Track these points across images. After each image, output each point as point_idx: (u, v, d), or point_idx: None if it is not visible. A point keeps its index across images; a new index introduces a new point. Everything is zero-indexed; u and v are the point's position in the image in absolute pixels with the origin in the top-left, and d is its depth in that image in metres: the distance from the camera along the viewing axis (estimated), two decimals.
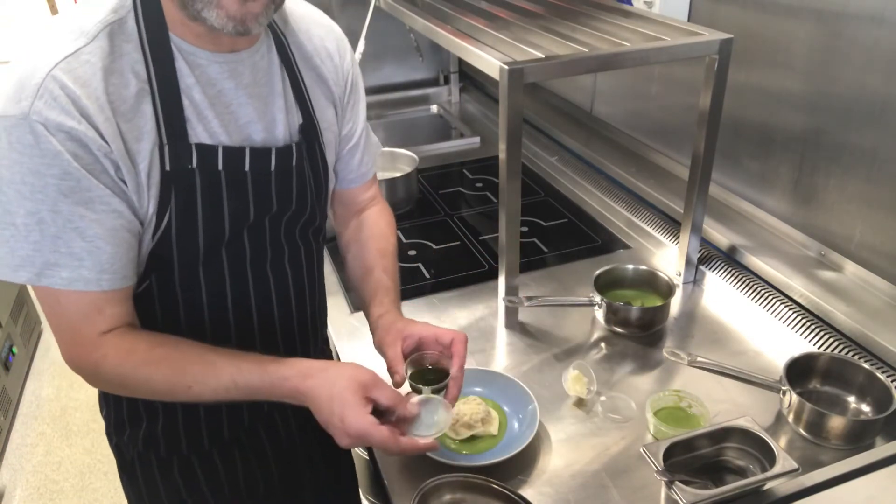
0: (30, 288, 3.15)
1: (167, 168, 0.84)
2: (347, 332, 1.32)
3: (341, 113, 1.06)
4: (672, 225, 1.56)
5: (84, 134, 0.76)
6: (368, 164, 1.15)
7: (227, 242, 0.92)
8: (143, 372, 0.87)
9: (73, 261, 0.80)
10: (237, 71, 0.89)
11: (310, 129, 0.98)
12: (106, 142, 0.78)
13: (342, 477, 1.33)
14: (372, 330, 1.04)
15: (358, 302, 1.32)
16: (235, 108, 0.90)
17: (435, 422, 0.91)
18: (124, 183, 0.81)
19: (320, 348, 1.18)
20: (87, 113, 0.77)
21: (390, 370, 0.96)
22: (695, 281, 1.41)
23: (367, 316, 1.06)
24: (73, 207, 0.78)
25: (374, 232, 1.15)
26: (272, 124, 0.94)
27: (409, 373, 0.96)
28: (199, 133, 0.86)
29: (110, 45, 0.80)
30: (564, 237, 1.64)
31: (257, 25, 0.82)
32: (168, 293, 0.92)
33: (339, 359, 1.26)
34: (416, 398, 0.91)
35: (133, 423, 1.03)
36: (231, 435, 1.06)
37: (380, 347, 1.00)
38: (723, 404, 1.08)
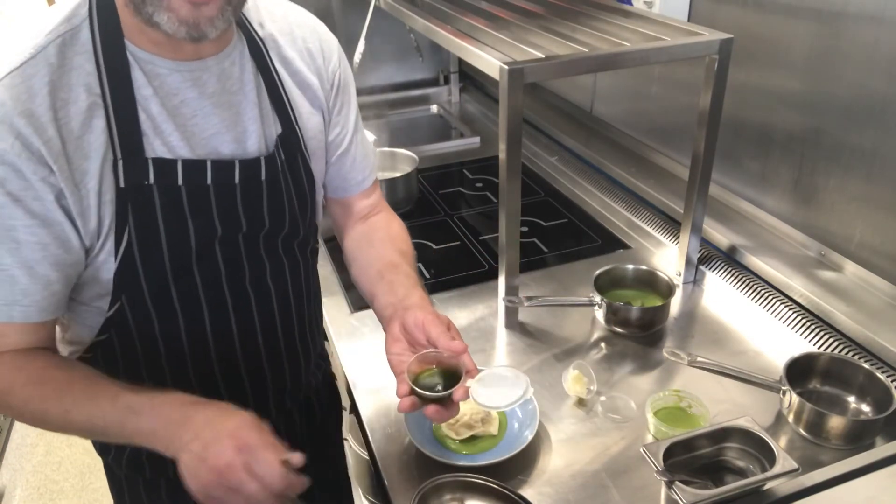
0: None
1: (121, 185, 0.79)
2: (347, 332, 1.32)
3: (328, 118, 1.00)
4: (672, 225, 1.56)
5: (17, 156, 0.72)
6: (364, 172, 1.08)
7: (198, 259, 0.88)
8: (25, 392, 0.81)
9: None
10: (201, 79, 0.84)
11: (291, 139, 0.93)
12: (46, 164, 0.74)
13: (338, 484, 1.32)
14: (395, 315, 0.93)
15: (359, 300, 1.31)
16: (200, 120, 0.84)
17: (506, 392, 0.85)
18: (65, 211, 0.77)
19: (314, 364, 1.13)
20: (22, 133, 0.72)
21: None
22: (695, 281, 1.41)
23: (394, 298, 0.95)
24: None
25: (390, 234, 1.08)
26: (243, 135, 0.88)
27: (411, 378, 0.85)
28: (156, 147, 0.81)
29: (60, 58, 0.76)
30: (564, 237, 1.64)
31: (213, 29, 0.76)
32: (141, 313, 0.88)
33: (339, 358, 1.27)
34: (477, 378, 0.84)
35: (117, 446, 1.01)
36: None
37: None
38: (723, 404, 1.08)
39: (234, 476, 0.74)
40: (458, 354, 0.85)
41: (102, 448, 1.03)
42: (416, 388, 0.84)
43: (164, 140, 0.82)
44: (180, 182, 0.83)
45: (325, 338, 1.33)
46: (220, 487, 0.75)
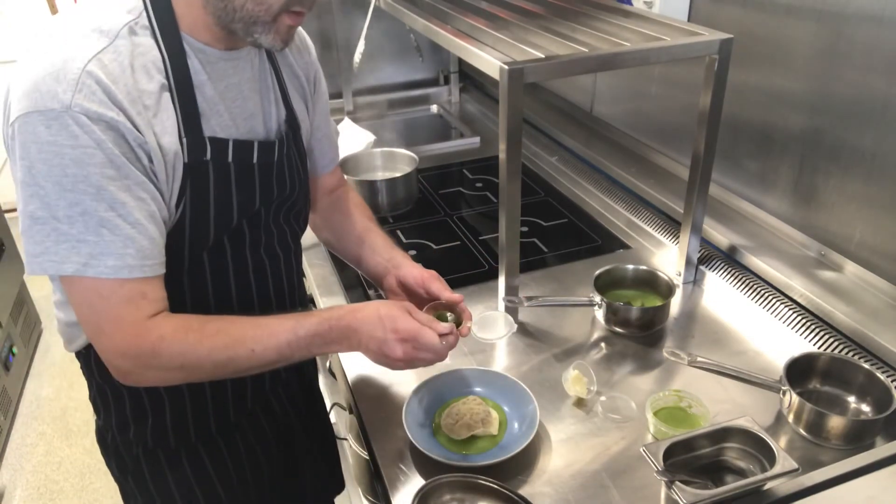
0: (31, 288, 3.10)
1: (185, 161, 0.88)
2: None
3: (311, 106, 1.12)
4: (672, 225, 1.56)
5: (123, 124, 0.80)
6: (335, 151, 1.25)
7: (231, 230, 0.97)
8: (205, 345, 0.88)
9: (118, 248, 0.82)
10: (240, 66, 0.94)
11: (292, 120, 1.05)
12: (141, 133, 0.82)
13: (335, 469, 1.39)
14: (387, 272, 1.14)
15: (360, 300, 1.34)
16: (241, 102, 0.95)
17: (497, 328, 1.14)
18: (155, 175, 0.85)
19: None
20: (122, 106, 0.80)
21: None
22: (695, 281, 1.41)
23: (381, 259, 1.16)
24: (115, 195, 0.81)
25: (356, 204, 1.25)
26: (268, 117, 1.00)
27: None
28: (212, 126, 0.91)
29: (132, 43, 0.83)
30: (564, 237, 1.64)
31: (292, 40, 0.93)
32: (175, 282, 0.93)
33: (339, 358, 1.27)
34: (474, 320, 1.07)
35: (138, 421, 1.04)
36: (236, 418, 1.10)
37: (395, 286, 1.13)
38: (723, 404, 1.08)
39: (410, 358, 0.94)
40: (458, 303, 1.05)
41: (120, 427, 1.05)
42: None
43: (217, 120, 0.92)
44: (230, 159, 0.93)
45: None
46: (405, 364, 0.95)
